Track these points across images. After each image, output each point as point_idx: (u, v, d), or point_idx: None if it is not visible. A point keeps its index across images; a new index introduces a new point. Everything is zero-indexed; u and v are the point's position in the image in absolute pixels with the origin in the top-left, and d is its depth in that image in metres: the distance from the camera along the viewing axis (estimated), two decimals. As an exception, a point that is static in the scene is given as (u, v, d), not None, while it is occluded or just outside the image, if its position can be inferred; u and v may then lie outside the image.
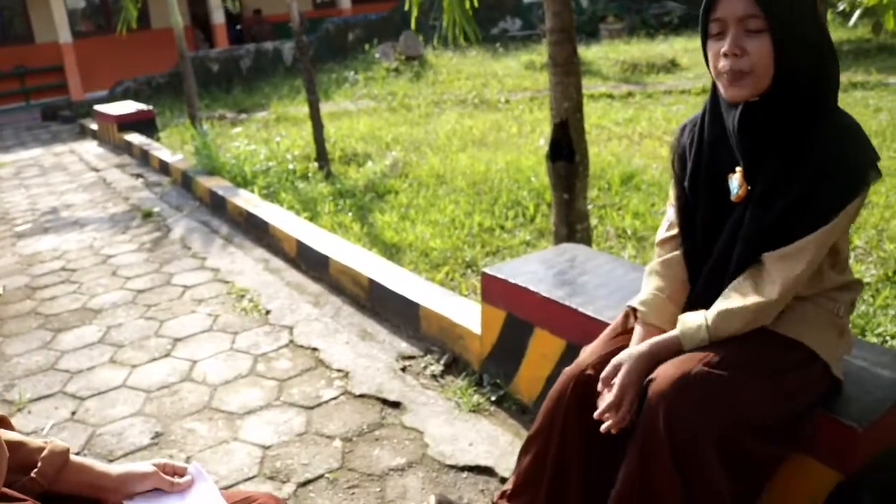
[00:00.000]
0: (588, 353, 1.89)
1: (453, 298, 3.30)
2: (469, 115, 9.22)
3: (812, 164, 1.59)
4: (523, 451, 1.93)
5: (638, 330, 1.84)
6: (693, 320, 1.70)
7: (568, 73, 3.63)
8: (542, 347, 2.58)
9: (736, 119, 1.66)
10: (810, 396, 1.72)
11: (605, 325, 2.31)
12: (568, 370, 1.86)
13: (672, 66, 11.39)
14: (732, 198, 1.72)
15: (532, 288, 2.57)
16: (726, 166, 1.74)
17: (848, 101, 8.05)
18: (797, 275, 1.62)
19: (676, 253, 1.87)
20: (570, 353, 2.47)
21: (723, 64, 1.60)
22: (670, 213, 1.91)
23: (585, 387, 1.79)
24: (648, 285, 1.90)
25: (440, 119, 8.98)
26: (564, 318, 2.47)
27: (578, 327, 2.42)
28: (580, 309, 2.40)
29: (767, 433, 1.66)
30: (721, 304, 1.68)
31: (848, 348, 1.81)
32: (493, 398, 2.76)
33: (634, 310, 1.88)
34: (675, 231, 1.88)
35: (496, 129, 8.13)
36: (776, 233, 1.65)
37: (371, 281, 3.56)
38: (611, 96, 9.69)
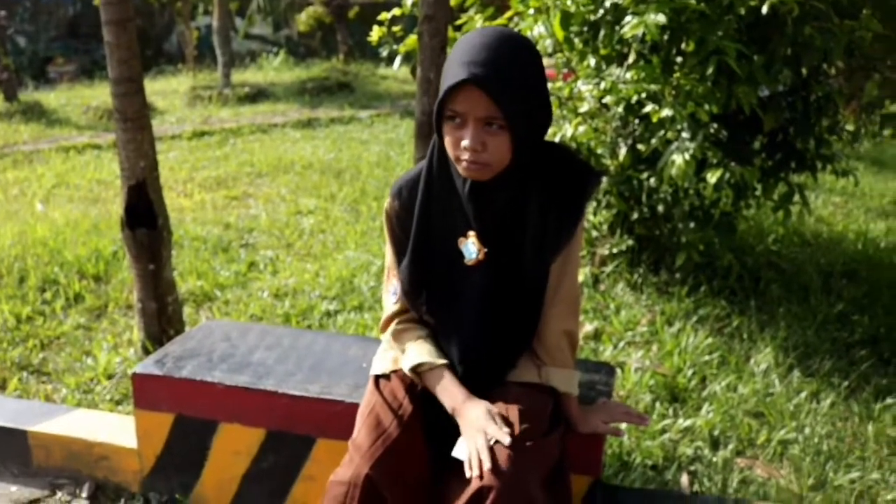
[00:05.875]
0: (361, 447, 1.68)
1: (71, 413, 2.66)
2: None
3: (538, 201, 1.68)
4: None
5: (437, 378, 1.74)
6: (563, 376, 1.76)
7: (140, 127, 3.26)
8: (233, 444, 2.26)
9: (467, 190, 1.67)
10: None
11: (315, 400, 2.15)
12: (344, 477, 1.65)
13: (150, 110, 10.96)
14: (467, 261, 1.72)
15: (209, 379, 2.23)
16: (457, 230, 1.73)
17: (334, 137, 8.75)
18: (577, 285, 1.76)
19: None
20: (273, 442, 2.23)
21: (464, 155, 1.59)
22: (396, 285, 1.84)
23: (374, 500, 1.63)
24: (403, 342, 1.83)
25: None
26: (259, 404, 2.20)
27: (280, 411, 2.19)
28: (280, 390, 2.17)
29: (562, 469, 1.72)
30: (550, 354, 1.76)
31: None
32: (172, 517, 2.33)
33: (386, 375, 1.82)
34: (403, 304, 1.84)
35: (-33, 198, 6.85)
36: (534, 280, 1.70)
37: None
38: (97, 147, 8.93)
